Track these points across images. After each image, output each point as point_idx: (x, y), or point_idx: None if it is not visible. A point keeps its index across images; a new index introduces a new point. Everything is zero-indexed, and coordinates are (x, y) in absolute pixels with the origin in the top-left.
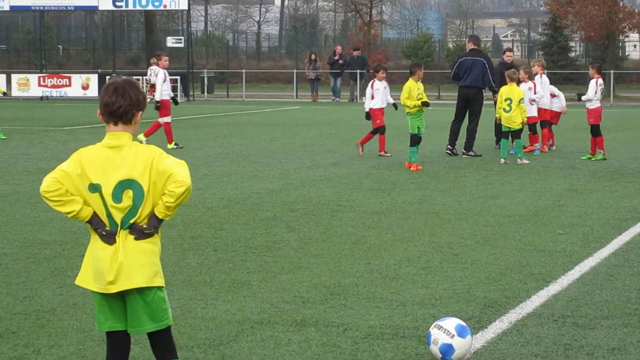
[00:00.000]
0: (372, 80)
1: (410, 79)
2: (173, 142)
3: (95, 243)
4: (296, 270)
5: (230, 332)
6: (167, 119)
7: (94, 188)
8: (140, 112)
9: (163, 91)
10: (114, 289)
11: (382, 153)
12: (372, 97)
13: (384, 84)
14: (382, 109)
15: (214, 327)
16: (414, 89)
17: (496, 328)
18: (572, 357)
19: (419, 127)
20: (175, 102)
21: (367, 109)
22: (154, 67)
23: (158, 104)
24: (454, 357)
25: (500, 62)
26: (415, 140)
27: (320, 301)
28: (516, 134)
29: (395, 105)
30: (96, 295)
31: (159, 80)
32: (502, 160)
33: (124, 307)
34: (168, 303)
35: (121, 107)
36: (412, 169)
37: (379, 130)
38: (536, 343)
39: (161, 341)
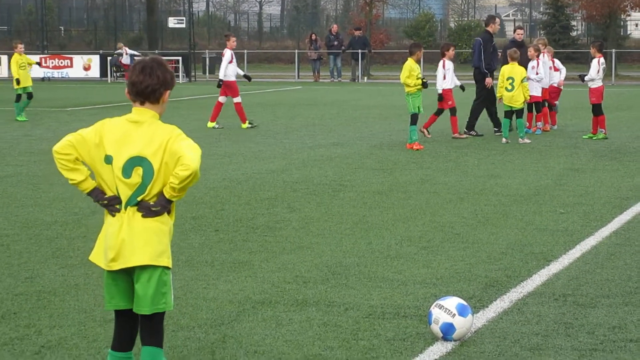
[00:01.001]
0: (442, 60)
1: (409, 58)
2: (247, 122)
3: (108, 219)
4: (297, 250)
5: (231, 312)
6: (238, 99)
7: (108, 160)
8: (169, 91)
9: (228, 71)
10: (115, 266)
11: (457, 135)
12: (444, 78)
13: (452, 63)
14: (451, 89)
15: (215, 307)
16: (414, 69)
17: (497, 307)
18: (572, 336)
19: (419, 107)
20: (249, 79)
21: (439, 90)
22: (120, 50)
23: (221, 83)
24: (454, 336)
25: (511, 40)
26: (416, 119)
27: (322, 281)
28: (518, 113)
29: (462, 87)
30: (104, 273)
31: (225, 61)
32: (504, 140)
33: (131, 286)
34: (171, 288)
35: (149, 86)
36: (414, 147)
37: (451, 111)
38: (537, 322)
39: (151, 326)
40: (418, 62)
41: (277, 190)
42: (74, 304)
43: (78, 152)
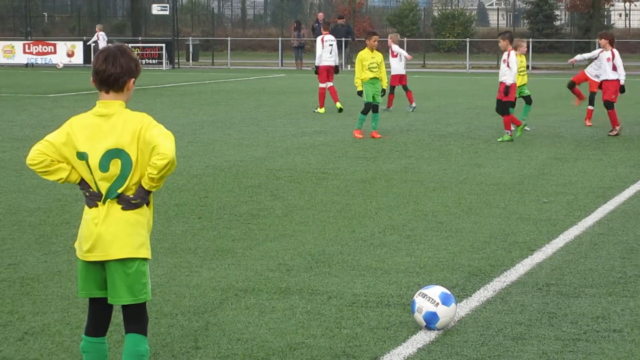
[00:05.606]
0: None
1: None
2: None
3: (85, 208)
4: (281, 238)
5: (214, 300)
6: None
7: (81, 156)
8: (133, 80)
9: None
10: (92, 258)
11: None
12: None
13: None
14: None
15: (198, 294)
16: (366, 59)
17: (480, 296)
18: (556, 326)
19: (374, 96)
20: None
21: (622, 82)
22: (101, 33)
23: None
24: (438, 325)
25: None
26: (369, 108)
27: (305, 269)
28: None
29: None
30: (78, 261)
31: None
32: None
33: (104, 275)
34: (149, 278)
35: (112, 75)
36: (354, 135)
37: None
38: (520, 311)
39: (134, 315)
40: (374, 50)
41: (261, 178)
42: (57, 290)
43: (49, 156)
